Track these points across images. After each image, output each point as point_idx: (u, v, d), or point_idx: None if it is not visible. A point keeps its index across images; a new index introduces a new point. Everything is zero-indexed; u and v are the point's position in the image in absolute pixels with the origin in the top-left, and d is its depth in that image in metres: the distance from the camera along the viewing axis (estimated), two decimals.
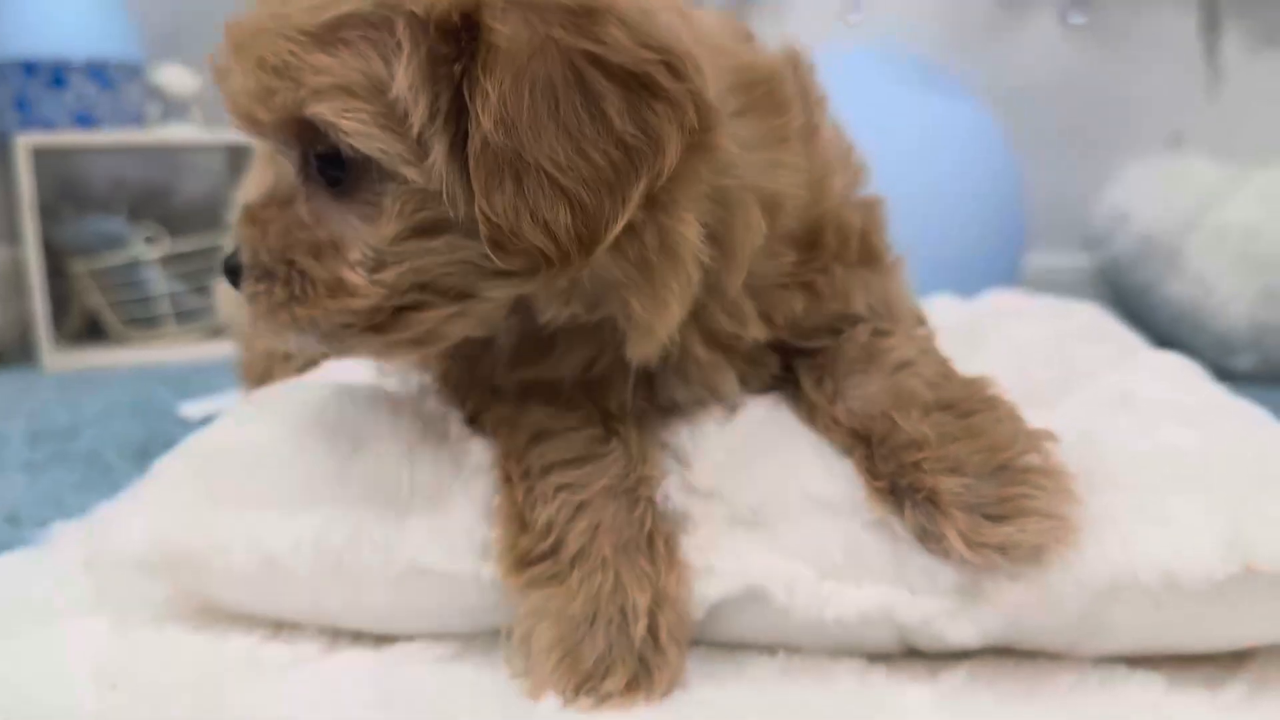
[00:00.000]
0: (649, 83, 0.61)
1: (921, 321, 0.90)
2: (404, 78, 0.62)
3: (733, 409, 0.84)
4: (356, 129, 0.62)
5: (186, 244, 2.16)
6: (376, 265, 0.67)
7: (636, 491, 0.75)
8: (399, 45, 0.62)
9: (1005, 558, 0.68)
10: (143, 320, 2.21)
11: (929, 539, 0.70)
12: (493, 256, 0.63)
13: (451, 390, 0.86)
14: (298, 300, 0.68)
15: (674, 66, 0.62)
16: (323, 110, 0.63)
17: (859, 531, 0.73)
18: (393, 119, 0.63)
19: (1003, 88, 2.24)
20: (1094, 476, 0.73)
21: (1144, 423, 0.80)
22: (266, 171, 1.10)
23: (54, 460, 1.39)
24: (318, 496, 0.76)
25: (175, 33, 2.28)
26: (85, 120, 1.98)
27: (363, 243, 0.67)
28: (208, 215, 2.36)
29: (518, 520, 0.73)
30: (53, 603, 0.84)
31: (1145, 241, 2.09)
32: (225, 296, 1.22)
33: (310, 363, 1.11)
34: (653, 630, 0.69)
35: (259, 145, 1.03)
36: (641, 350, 0.74)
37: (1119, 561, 0.69)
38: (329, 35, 0.63)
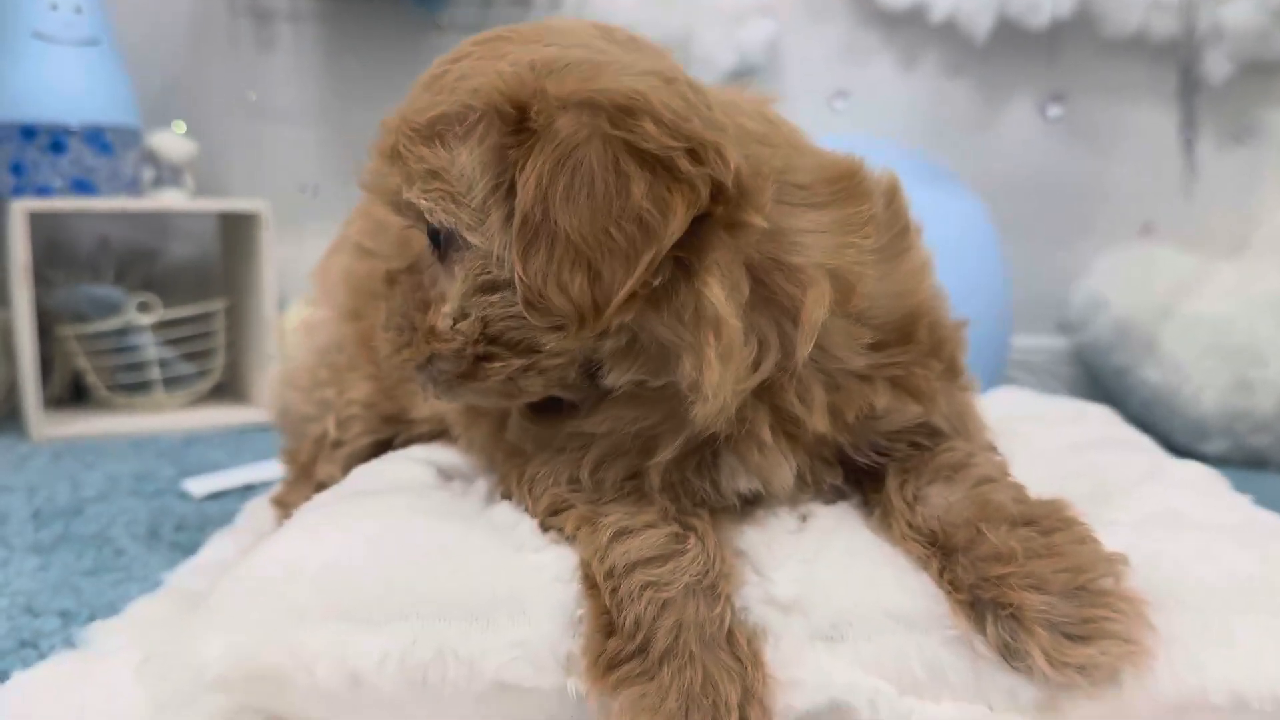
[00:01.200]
0: (670, 166, 0.69)
1: (994, 448, 0.92)
2: (470, 161, 0.75)
3: (803, 517, 0.86)
4: (431, 205, 0.76)
5: (178, 311, 2.14)
6: (459, 316, 0.80)
7: (716, 589, 0.76)
8: (473, 135, 0.74)
9: (1084, 677, 0.70)
10: (131, 386, 2.18)
11: (1011, 654, 0.72)
12: (526, 314, 0.73)
13: (525, 489, 0.88)
14: (408, 345, 0.84)
15: (696, 153, 0.70)
16: (413, 192, 0.77)
17: (938, 648, 0.74)
18: (461, 195, 0.75)
19: (983, 177, 2.30)
20: (1161, 598, 0.75)
21: (1201, 544, 0.83)
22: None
23: (62, 542, 1.36)
24: (401, 611, 0.76)
25: (171, 98, 2.28)
26: (82, 185, 1.96)
27: (451, 297, 0.80)
28: (194, 280, 2.34)
29: (605, 623, 0.74)
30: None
31: (1121, 327, 2.16)
32: (283, 372, 1.23)
33: (354, 454, 1.12)
34: None
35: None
36: (703, 411, 0.76)
37: (1189, 682, 0.71)
38: (429, 130, 0.76)
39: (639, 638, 0.73)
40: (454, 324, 0.80)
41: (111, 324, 2.10)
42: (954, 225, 1.86)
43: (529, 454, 0.89)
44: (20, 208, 1.89)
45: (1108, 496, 0.98)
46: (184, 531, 1.41)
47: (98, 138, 1.96)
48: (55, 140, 1.92)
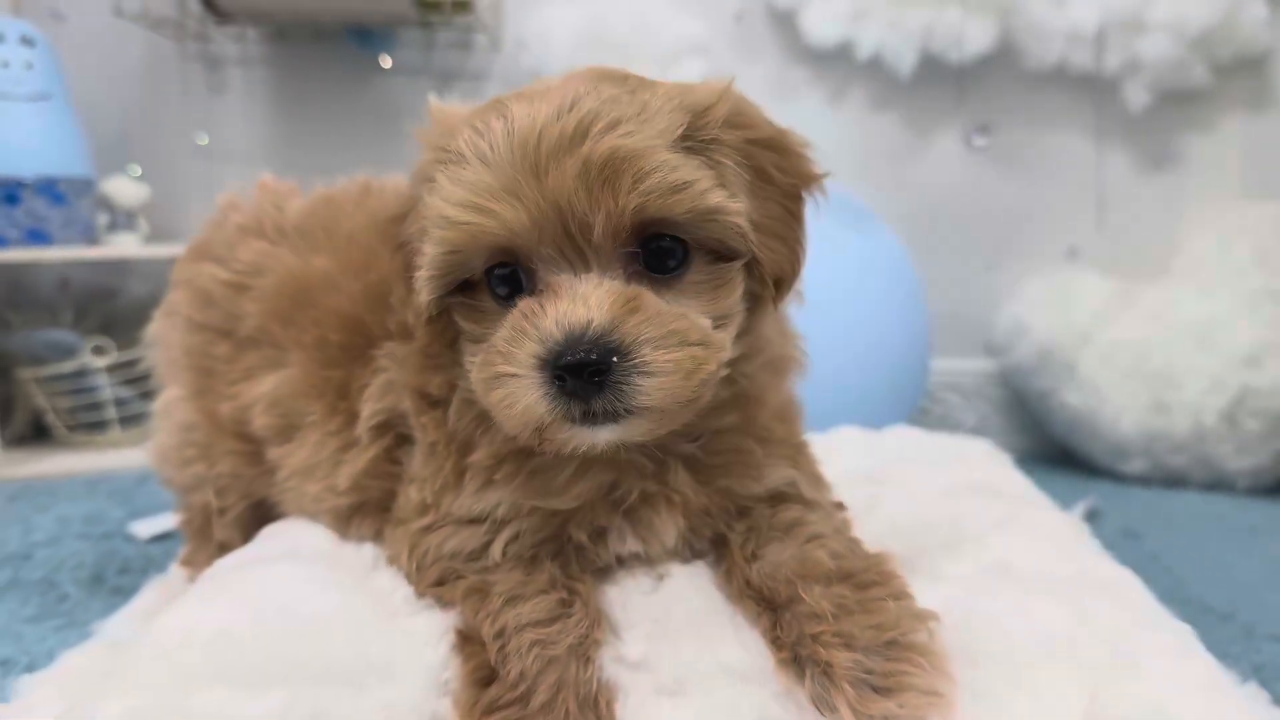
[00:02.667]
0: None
1: (840, 505, 1.00)
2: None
3: (660, 577, 0.93)
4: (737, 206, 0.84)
5: (132, 353, 2.21)
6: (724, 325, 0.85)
7: (589, 654, 0.83)
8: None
9: None
10: (89, 425, 2.25)
11: (824, 706, 0.79)
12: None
13: (414, 562, 0.94)
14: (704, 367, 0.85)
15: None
16: (721, 195, 0.82)
17: (769, 700, 0.80)
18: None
19: (911, 207, 2.41)
20: (973, 651, 0.83)
21: (1020, 598, 0.91)
22: None
23: (9, 588, 1.43)
24: (279, 675, 0.82)
25: (125, 144, 2.35)
26: (37, 236, 2.03)
27: (725, 309, 0.84)
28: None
29: (483, 675, 0.81)
30: None
31: (1043, 352, 2.24)
32: (154, 450, 1.26)
33: (239, 518, 1.19)
34: None
35: None
36: None
37: None
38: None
39: (521, 688, 0.79)
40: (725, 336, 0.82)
41: (67, 366, 2.18)
42: (870, 258, 1.93)
43: (426, 527, 0.94)
44: None
45: (957, 545, 1.06)
46: (127, 575, 1.48)
47: (50, 189, 2.03)
48: (9, 193, 1.99)
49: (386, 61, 2.30)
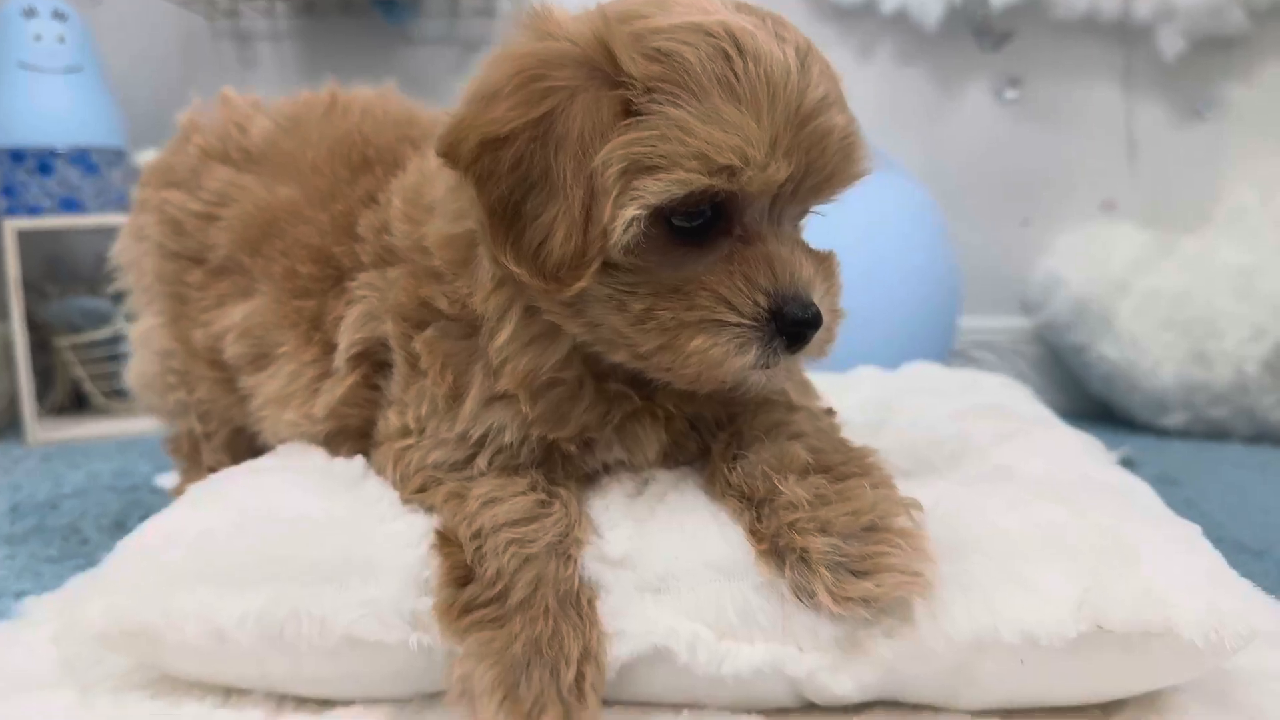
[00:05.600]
0: None
1: (831, 412, 0.99)
2: None
3: (645, 481, 0.92)
4: None
5: None
6: None
7: (569, 552, 0.82)
8: None
9: (867, 610, 0.76)
10: (125, 391, 2.28)
11: (803, 594, 0.78)
12: None
13: (398, 472, 0.94)
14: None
15: None
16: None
17: (750, 593, 0.80)
18: None
19: (942, 163, 2.37)
20: (964, 545, 0.81)
21: (1016, 498, 0.88)
22: None
23: (33, 533, 1.46)
24: (261, 575, 0.83)
25: (159, 119, 2.38)
26: (70, 204, 2.07)
27: (810, 258, 0.85)
28: None
29: (460, 574, 0.80)
30: (23, 675, 0.91)
31: (1078, 305, 2.19)
32: (140, 377, 1.28)
33: (225, 443, 1.21)
34: (579, 680, 0.75)
35: None
36: None
37: (983, 620, 0.76)
38: None
39: (498, 586, 0.78)
40: None
41: (103, 333, 2.22)
42: (896, 211, 1.91)
43: (410, 446, 0.94)
44: (11, 227, 2.01)
45: (961, 456, 1.04)
46: None
47: (83, 158, 2.07)
48: (42, 162, 2.04)
49: (412, 35, 2.31)
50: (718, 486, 0.89)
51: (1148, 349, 2.08)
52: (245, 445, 1.18)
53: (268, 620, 0.81)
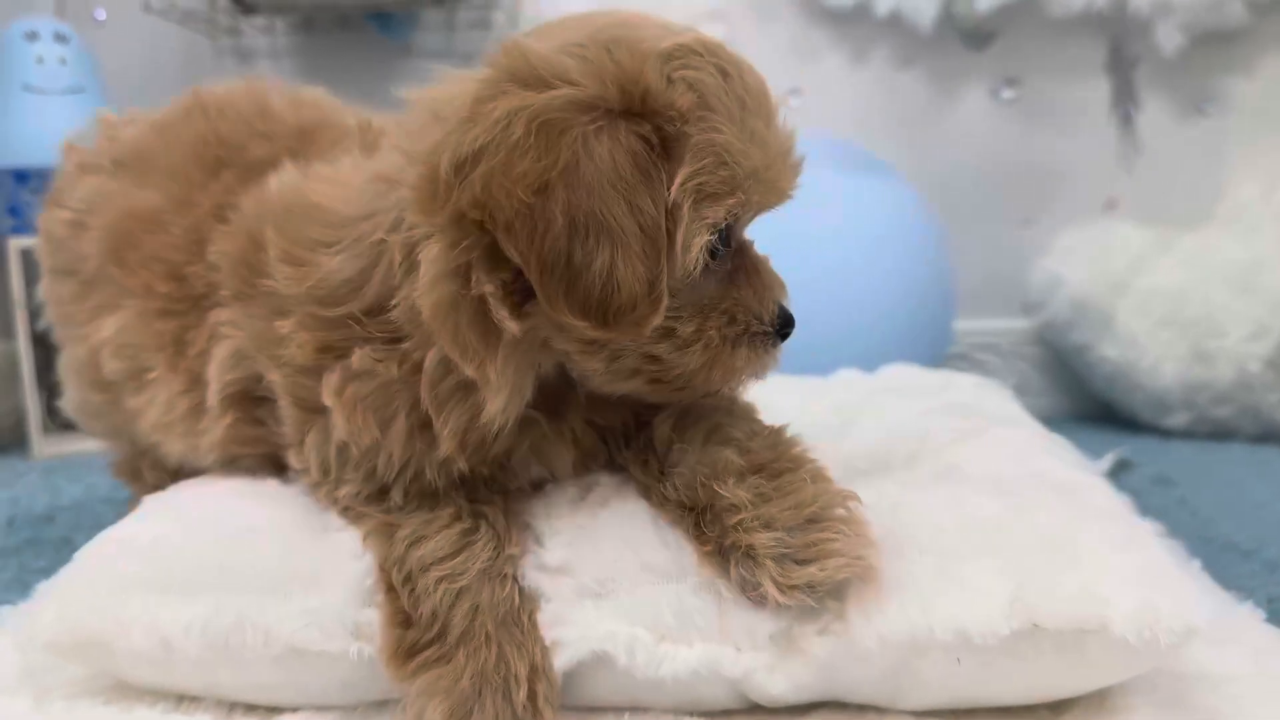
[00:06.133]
0: None
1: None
2: None
3: (588, 488, 0.93)
4: None
5: None
6: None
7: (504, 571, 0.83)
8: None
9: (813, 597, 0.77)
10: None
11: (748, 588, 0.79)
12: None
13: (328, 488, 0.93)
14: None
15: None
16: None
17: (687, 595, 0.81)
18: None
19: (941, 164, 2.35)
20: (899, 543, 0.81)
21: (955, 495, 0.88)
22: None
23: (27, 545, 1.48)
24: (206, 584, 0.85)
25: None
26: None
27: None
28: None
29: (401, 618, 0.80)
30: None
31: (1078, 305, 2.17)
32: (71, 404, 1.25)
33: (156, 461, 1.18)
34: (531, 697, 0.76)
35: None
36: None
37: (917, 620, 0.76)
38: None
39: (436, 626, 0.79)
40: None
41: None
42: (887, 215, 1.90)
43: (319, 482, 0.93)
44: (15, 245, 2.05)
45: (917, 457, 1.04)
46: None
47: None
48: (46, 182, 2.07)
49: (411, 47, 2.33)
50: (654, 499, 0.89)
51: (1147, 348, 2.05)
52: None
53: (213, 629, 0.82)
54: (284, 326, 0.87)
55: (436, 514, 0.86)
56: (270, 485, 0.98)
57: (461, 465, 0.86)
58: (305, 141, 1.08)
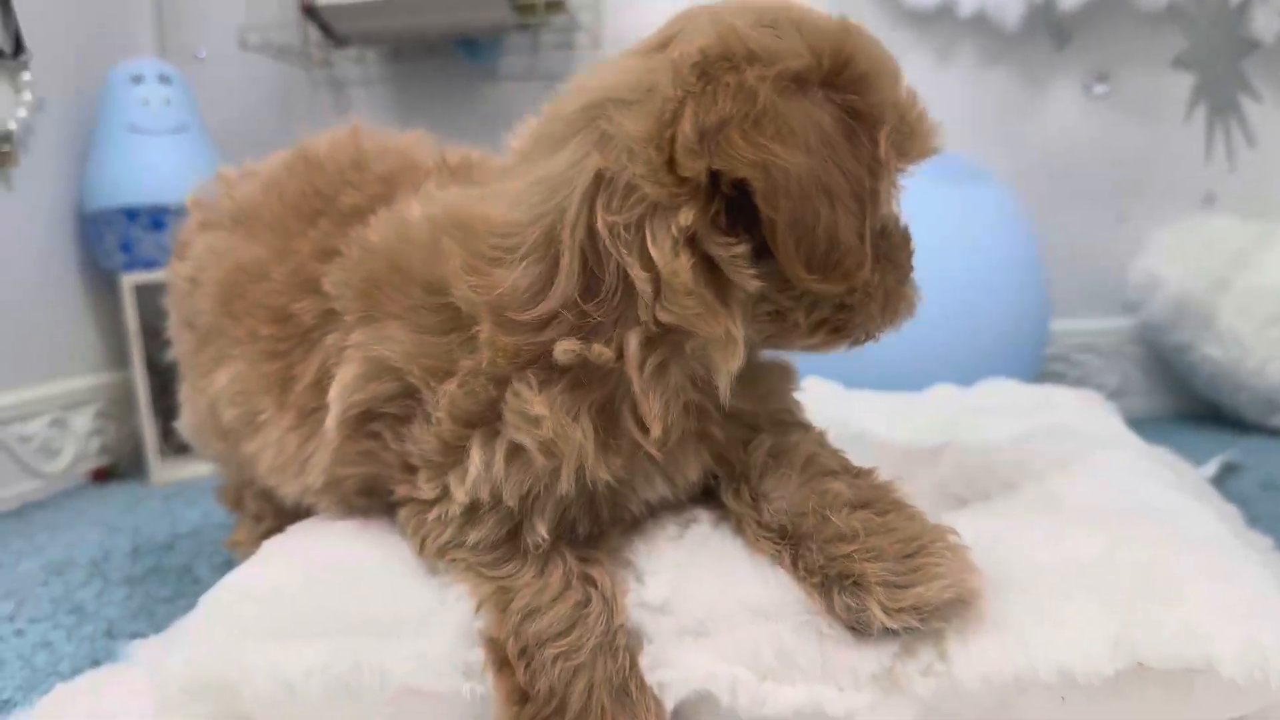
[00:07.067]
0: None
1: (812, 427, 1.00)
2: None
3: (686, 524, 0.94)
4: None
5: None
6: None
7: (615, 643, 0.84)
8: None
9: (918, 619, 0.78)
10: None
11: (853, 616, 0.80)
12: None
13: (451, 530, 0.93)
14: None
15: None
16: None
17: (789, 634, 0.81)
18: None
19: (1033, 163, 2.32)
20: (999, 582, 0.81)
21: (1055, 531, 0.88)
22: None
23: (151, 574, 1.55)
24: (324, 629, 0.88)
25: None
26: None
27: None
28: None
29: (518, 695, 0.82)
30: (117, 716, 0.98)
31: (1178, 304, 2.11)
32: (184, 427, 1.31)
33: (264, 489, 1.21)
34: None
35: None
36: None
37: (1019, 660, 0.76)
38: None
39: (554, 703, 0.81)
40: None
41: None
42: (982, 219, 1.88)
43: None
44: (129, 281, 2.15)
45: (1018, 486, 1.03)
46: None
47: None
48: (155, 219, 2.16)
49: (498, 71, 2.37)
50: (749, 533, 0.90)
51: (1253, 348, 2.00)
52: None
53: (331, 673, 0.85)
54: (481, 331, 0.86)
55: (546, 581, 0.87)
56: (380, 526, 1.01)
57: (617, 471, 0.87)
58: (390, 187, 1.11)
